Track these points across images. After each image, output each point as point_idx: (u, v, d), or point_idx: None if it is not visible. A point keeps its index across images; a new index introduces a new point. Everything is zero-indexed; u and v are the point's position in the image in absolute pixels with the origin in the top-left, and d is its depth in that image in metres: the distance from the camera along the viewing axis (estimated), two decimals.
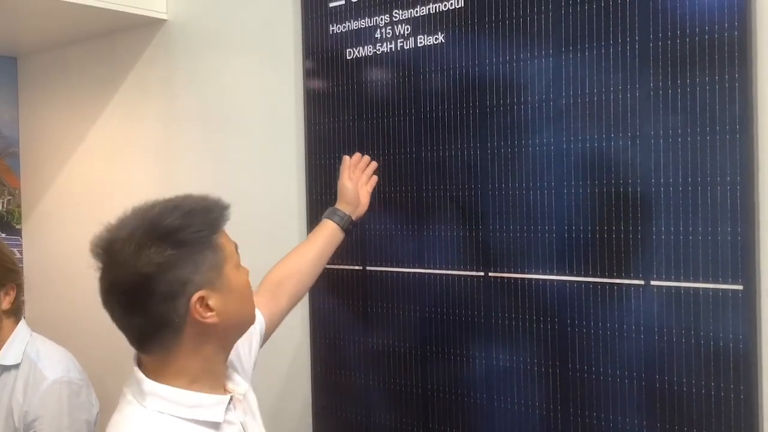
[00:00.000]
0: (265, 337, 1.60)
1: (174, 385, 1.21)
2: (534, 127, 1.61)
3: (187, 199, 1.24)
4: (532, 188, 1.61)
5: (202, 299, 1.18)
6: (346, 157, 1.83)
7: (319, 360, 2.00)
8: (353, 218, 1.79)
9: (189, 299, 1.16)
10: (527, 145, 1.61)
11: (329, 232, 1.76)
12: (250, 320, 1.32)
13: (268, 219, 2.13)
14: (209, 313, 1.19)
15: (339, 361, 1.95)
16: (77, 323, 2.70)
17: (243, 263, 1.29)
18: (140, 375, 1.22)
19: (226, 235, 1.25)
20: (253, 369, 1.55)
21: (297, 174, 2.05)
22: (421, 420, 1.80)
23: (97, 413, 1.97)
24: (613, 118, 1.50)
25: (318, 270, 1.74)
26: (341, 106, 1.93)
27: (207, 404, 1.23)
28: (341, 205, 1.79)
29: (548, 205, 1.59)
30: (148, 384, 1.21)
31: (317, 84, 1.98)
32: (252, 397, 1.42)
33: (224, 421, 1.25)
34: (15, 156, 2.99)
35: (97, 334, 2.60)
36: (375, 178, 1.86)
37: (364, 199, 1.82)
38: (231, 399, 1.28)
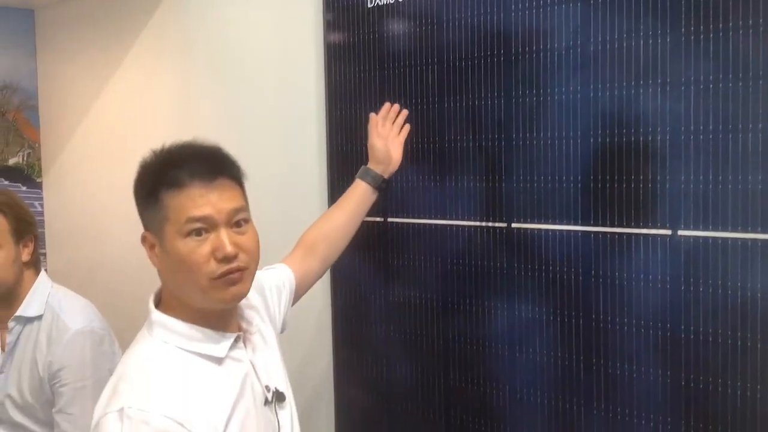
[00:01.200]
0: (296, 295, 1.62)
1: (179, 318, 1.25)
2: (560, 76, 1.57)
3: (171, 148, 1.26)
4: (557, 138, 1.58)
5: (145, 237, 1.27)
6: (373, 115, 1.80)
7: (340, 313, 2.00)
8: (385, 177, 1.76)
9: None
10: (552, 93, 1.58)
11: (361, 193, 1.75)
12: (195, 294, 1.23)
13: (287, 171, 2.12)
14: (153, 254, 1.26)
15: (360, 314, 1.95)
16: (99, 274, 2.72)
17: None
18: (151, 305, 1.27)
19: (195, 204, 1.20)
20: (283, 324, 1.56)
21: (317, 126, 2.03)
22: (442, 371, 1.80)
23: None
24: (642, 64, 1.47)
25: (350, 233, 1.73)
26: (362, 56, 1.90)
27: (210, 339, 1.25)
28: (372, 165, 1.77)
29: (573, 155, 1.56)
30: (156, 314, 1.26)
31: (337, 34, 1.95)
32: (271, 339, 1.42)
33: (228, 357, 1.27)
34: (33, 109, 2.98)
35: (119, 285, 2.62)
36: (408, 127, 1.82)
37: (396, 154, 1.78)
38: (239, 337, 1.30)
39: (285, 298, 1.57)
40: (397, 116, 1.82)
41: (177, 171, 1.22)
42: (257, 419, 1.27)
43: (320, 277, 1.72)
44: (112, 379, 1.21)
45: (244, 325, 1.36)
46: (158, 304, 1.29)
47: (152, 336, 1.25)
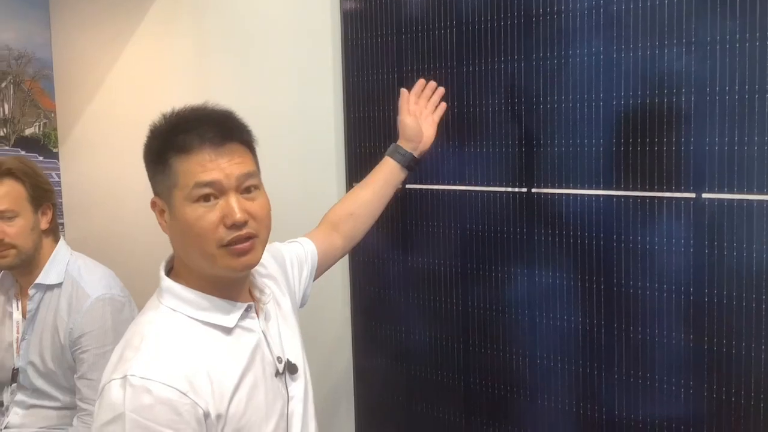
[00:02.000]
0: (319, 270, 1.60)
1: (189, 285, 1.24)
2: (582, 36, 1.55)
3: (180, 112, 1.25)
4: (579, 101, 1.56)
5: (154, 203, 1.26)
6: (404, 90, 1.72)
7: (358, 280, 2.00)
8: (416, 155, 1.70)
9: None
10: (575, 55, 1.56)
11: (388, 171, 1.70)
12: (204, 262, 1.21)
13: (304, 139, 2.11)
14: (162, 220, 1.25)
15: (379, 280, 1.95)
16: (117, 244, 2.73)
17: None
18: (161, 272, 1.26)
19: (204, 169, 1.18)
20: (303, 298, 1.54)
21: (333, 92, 2.01)
22: (461, 337, 1.80)
23: None
24: (666, 24, 1.44)
25: (377, 210, 1.69)
26: (379, 21, 1.88)
27: (219, 308, 1.24)
28: (402, 142, 1.70)
29: (596, 118, 1.54)
30: (166, 281, 1.25)
31: None
32: (288, 310, 1.41)
33: (238, 327, 1.25)
34: (49, 78, 2.97)
35: (137, 255, 2.63)
36: (443, 106, 1.74)
37: (429, 132, 1.71)
38: (250, 307, 1.28)
39: (306, 271, 1.55)
40: (433, 93, 1.74)
41: (186, 135, 1.19)
42: (266, 390, 1.26)
43: (345, 253, 1.69)
44: (120, 345, 1.20)
45: (257, 294, 1.34)
46: (170, 272, 1.28)
47: (161, 303, 1.23)
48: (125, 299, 2.00)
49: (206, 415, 1.14)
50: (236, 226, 1.18)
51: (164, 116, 1.24)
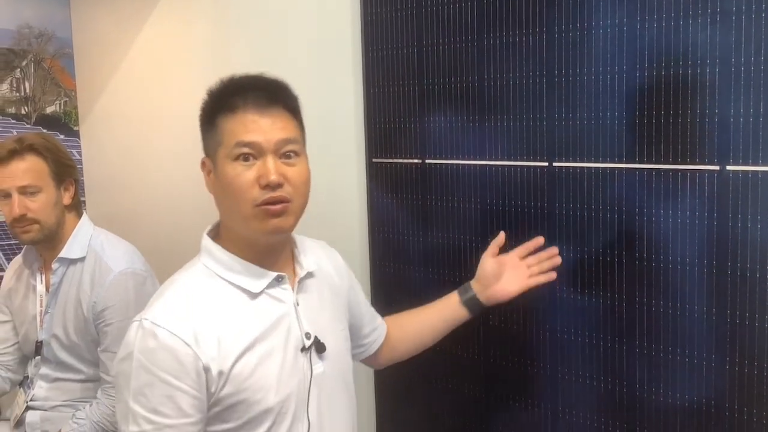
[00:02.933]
0: (361, 333, 1.61)
1: (225, 247, 1.30)
2: (605, 8, 1.53)
3: (235, 77, 1.32)
4: (602, 73, 1.54)
5: (203, 163, 1.32)
6: (501, 235, 1.66)
7: (377, 255, 2.00)
8: (481, 300, 1.62)
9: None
10: (597, 26, 1.54)
11: (448, 302, 1.66)
12: (239, 221, 1.26)
13: (323, 113, 2.10)
14: (208, 180, 1.32)
15: (398, 256, 1.95)
16: (139, 222, 2.75)
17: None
18: (205, 232, 1.34)
19: (246, 129, 1.24)
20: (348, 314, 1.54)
21: (353, 67, 2.00)
22: (482, 314, 1.79)
23: None
24: None
25: (423, 338, 1.67)
26: None
27: (250, 273, 1.29)
28: (474, 281, 1.65)
29: (618, 90, 1.52)
30: (206, 240, 1.32)
31: None
32: (335, 299, 1.46)
33: (265, 294, 1.29)
34: (69, 57, 2.99)
35: (159, 233, 2.65)
36: (551, 276, 1.61)
37: (510, 288, 1.60)
38: (282, 277, 1.32)
39: (355, 301, 1.58)
40: (548, 259, 1.62)
41: (234, 97, 1.26)
42: (283, 361, 1.28)
43: (378, 364, 1.71)
44: (155, 294, 1.29)
45: (297, 269, 1.37)
46: (216, 235, 1.34)
47: (199, 260, 1.31)
48: (147, 273, 2.02)
49: (206, 369, 1.19)
50: (270, 187, 1.22)
51: (221, 80, 1.31)
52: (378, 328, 1.64)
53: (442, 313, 1.65)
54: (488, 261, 1.63)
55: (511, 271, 1.61)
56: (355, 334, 1.56)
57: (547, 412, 1.71)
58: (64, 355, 2.02)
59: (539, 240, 1.63)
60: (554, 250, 1.61)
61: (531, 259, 1.63)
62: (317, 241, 1.54)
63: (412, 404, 1.96)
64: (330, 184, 2.04)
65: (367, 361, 1.68)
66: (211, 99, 1.30)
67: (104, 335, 1.94)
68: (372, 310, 1.65)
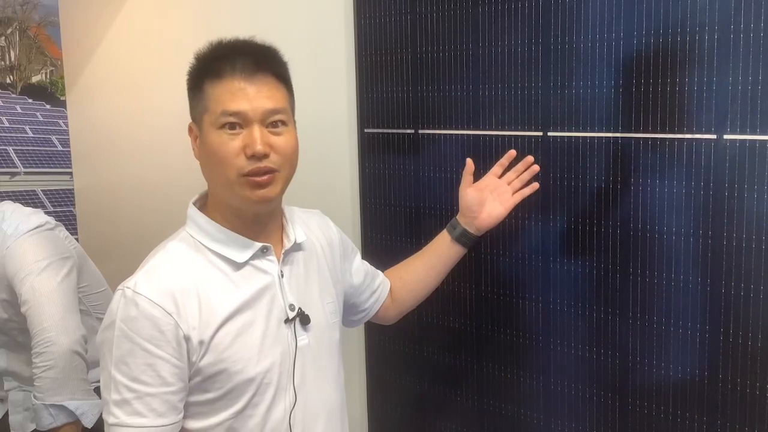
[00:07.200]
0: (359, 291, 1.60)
1: (212, 217, 1.29)
2: None
3: (223, 41, 1.28)
4: (598, 40, 1.52)
5: (190, 128, 1.30)
6: (469, 162, 1.65)
7: (369, 225, 1.98)
8: (471, 231, 1.64)
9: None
10: None
11: (441, 243, 1.67)
12: (224, 189, 1.25)
13: (315, 75, 2.06)
14: (195, 146, 1.29)
15: (390, 227, 1.93)
16: (126, 193, 2.72)
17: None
18: (191, 201, 1.32)
19: (232, 97, 1.21)
20: (341, 280, 1.52)
21: (345, 35, 1.97)
22: (473, 283, 1.78)
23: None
24: None
25: (427, 282, 1.68)
26: None
27: (234, 243, 1.28)
28: (459, 215, 1.66)
29: (615, 58, 1.50)
30: (192, 209, 1.31)
31: None
32: (323, 270, 1.43)
33: (249, 265, 1.28)
34: (55, 25, 2.96)
35: (147, 203, 2.62)
36: (534, 186, 1.61)
37: (497, 210, 1.61)
38: (267, 248, 1.30)
39: (350, 266, 1.57)
40: (525, 171, 1.62)
41: (222, 62, 1.23)
42: (265, 332, 1.27)
43: (387, 319, 1.71)
44: (141, 263, 1.28)
45: (285, 241, 1.35)
46: (203, 205, 1.32)
47: (185, 229, 1.30)
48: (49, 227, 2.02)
49: (187, 339, 1.19)
50: (256, 157, 1.21)
51: (210, 43, 1.28)
52: (379, 288, 1.63)
53: (438, 252, 1.67)
54: (467, 192, 1.64)
55: (492, 194, 1.62)
56: (355, 300, 1.58)
57: (539, 383, 1.71)
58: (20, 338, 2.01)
59: (512, 153, 1.64)
60: (530, 158, 1.61)
61: (510, 175, 1.63)
62: (311, 210, 1.52)
63: (403, 375, 1.96)
64: (322, 154, 2.01)
65: (376, 319, 1.68)
66: (199, 63, 1.27)
67: (20, 296, 1.91)
68: (372, 270, 1.63)
